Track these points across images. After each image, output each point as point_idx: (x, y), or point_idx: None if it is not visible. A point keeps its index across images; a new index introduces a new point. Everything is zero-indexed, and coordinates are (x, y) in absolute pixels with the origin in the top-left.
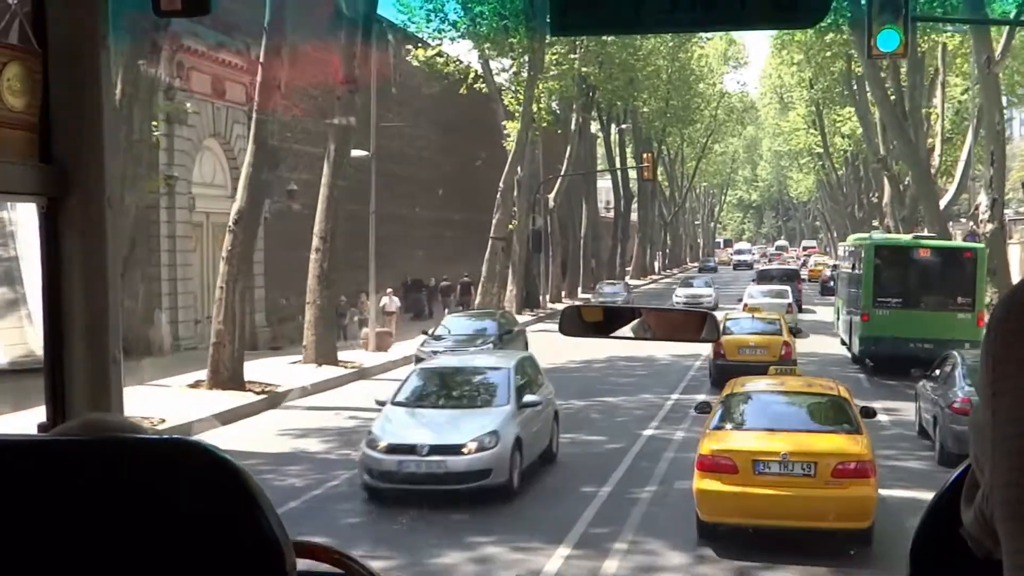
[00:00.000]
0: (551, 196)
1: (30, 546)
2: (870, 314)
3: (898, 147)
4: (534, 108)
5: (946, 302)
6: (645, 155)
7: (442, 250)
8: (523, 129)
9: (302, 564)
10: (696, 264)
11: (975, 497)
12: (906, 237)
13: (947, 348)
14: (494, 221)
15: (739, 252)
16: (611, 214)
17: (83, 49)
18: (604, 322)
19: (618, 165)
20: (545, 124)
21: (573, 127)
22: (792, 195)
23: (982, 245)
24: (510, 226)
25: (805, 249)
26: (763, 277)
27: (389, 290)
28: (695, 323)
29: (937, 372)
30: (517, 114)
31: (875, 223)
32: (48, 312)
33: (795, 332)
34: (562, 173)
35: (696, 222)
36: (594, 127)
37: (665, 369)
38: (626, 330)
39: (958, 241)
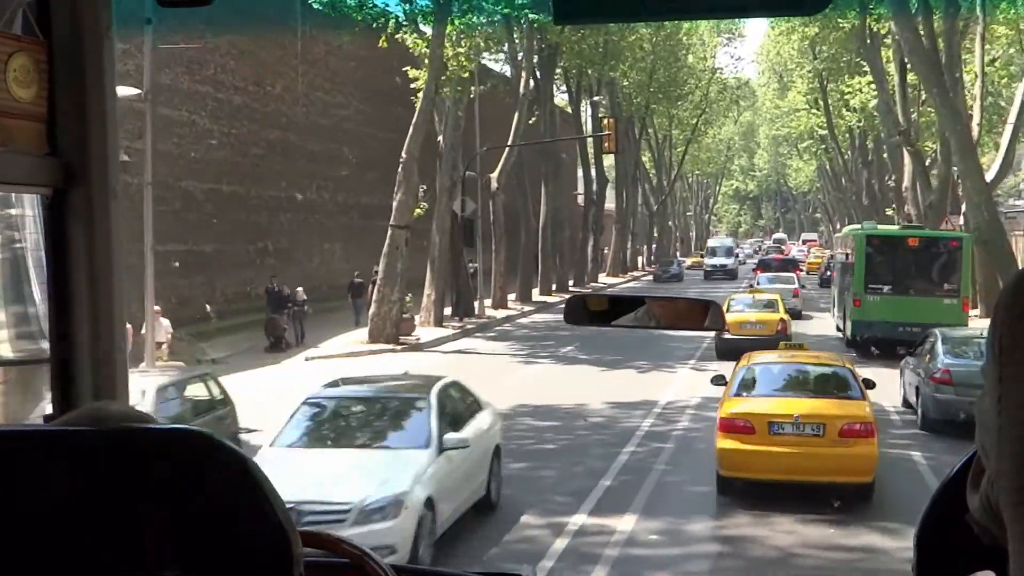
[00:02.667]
0: (494, 176)
1: (37, 535)
2: (861, 299)
3: (937, 108)
4: (448, 52)
5: (933, 288)
6: (607, 121)
7: (370, 243)
8: (431, 79)
9: (309, 554)
10: (686, 263)
11: (981, 483)
12: (895, 227)
13: None
14: (394, 203)
15: (713, 252)
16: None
17: (87, 40)
18: (609, 311)
19: (590, 147)
20: (467, 75)
21: (522, 90)
22: (791, 185)
23: (967, 235)
24: (417, 210)
25: (805, 242)
26: (763, 267)
27: (156, 309)
28: (700, 312)
29: (919, 349)
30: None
31: (890, 211)
32: (54, 303)
33: (795, 315)
34: (509, 143)
35: (688, 213)
36: (564, 100)
37: (600, 442)
38: (630, 319)
39: (946, 231)
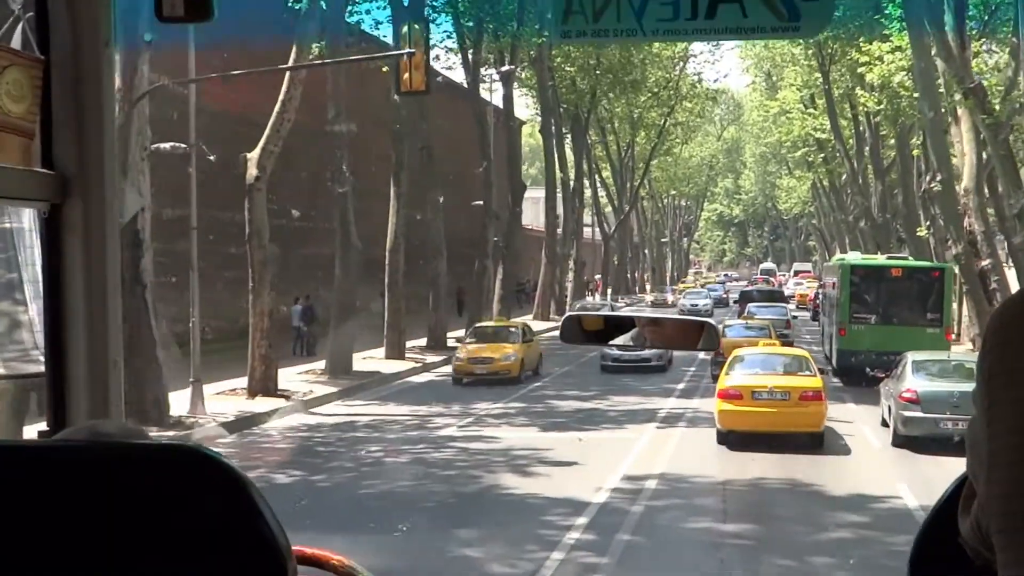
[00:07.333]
0: (252, 157)
1: (29, 552)
2: (847, 329)
3: None
4: None
5: (916, 318)
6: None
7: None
8: None
9: (303, 571)
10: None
11: (972, 508)
12: (880, 258)
13: None
14: None
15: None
16: (541, 228)
17: (85, 55)
18: (604, 330)
19: (509, 150)
20: None
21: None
22: (781, 208)
23: (949, 265)
24: None
25: (797, 274)
26: (746, 299)
27: None
28: (695, 332)
29: (893, 372)
30: None
31: (922, 231)
32: (49, 317)
33: (787, 343)
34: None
35: (664, 240)
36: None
37: None
38: (626, 338)
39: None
